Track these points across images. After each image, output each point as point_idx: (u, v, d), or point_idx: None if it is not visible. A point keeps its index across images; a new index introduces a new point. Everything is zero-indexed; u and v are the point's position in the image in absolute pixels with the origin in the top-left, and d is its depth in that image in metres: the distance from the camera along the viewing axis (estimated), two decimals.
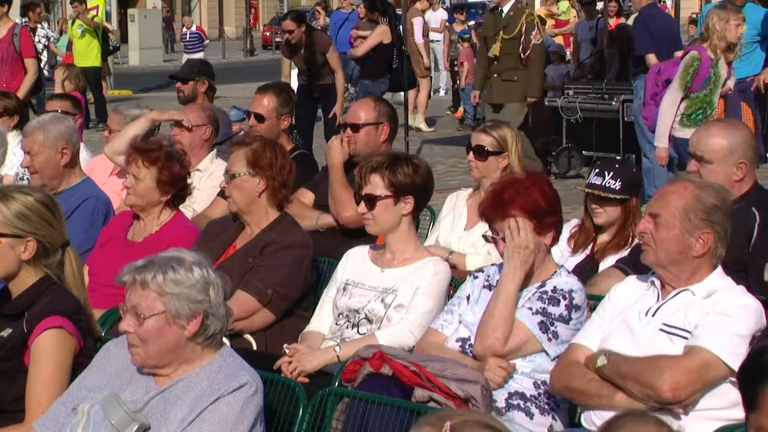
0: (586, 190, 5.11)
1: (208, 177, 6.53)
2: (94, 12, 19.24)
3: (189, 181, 5.35)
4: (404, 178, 4.63)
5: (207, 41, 24.90)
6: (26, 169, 6.15)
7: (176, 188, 5.22)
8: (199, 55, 23.33)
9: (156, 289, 3.33)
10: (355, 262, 4.72)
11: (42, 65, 17.02)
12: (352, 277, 4.65)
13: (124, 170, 5.47)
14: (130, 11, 36.10)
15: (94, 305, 4.21)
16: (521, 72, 10.72)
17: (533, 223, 4.06)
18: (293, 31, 11.66)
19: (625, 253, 4.94)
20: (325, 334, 4.63)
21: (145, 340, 3.36)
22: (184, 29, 25.02)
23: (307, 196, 5.96)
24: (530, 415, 4.00)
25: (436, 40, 19.96)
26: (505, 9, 10.85)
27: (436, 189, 4.98)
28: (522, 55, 10.64)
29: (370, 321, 4.52)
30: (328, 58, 11.70)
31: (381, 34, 13.35)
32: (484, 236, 4.27)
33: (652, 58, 10.47)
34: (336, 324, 4.62)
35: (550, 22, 19.17)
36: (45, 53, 19.25)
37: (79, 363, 3.70)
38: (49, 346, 3.67)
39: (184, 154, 5.42)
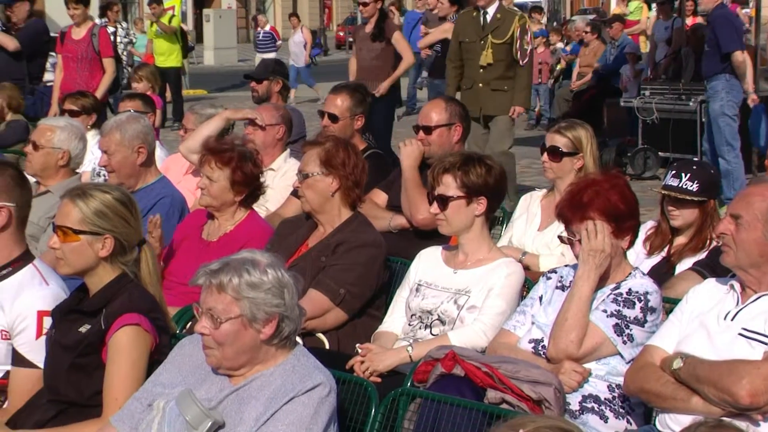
0: (663, 192, 5.04)
1: (281, 176, 6.57)
2: (170, 12, 19.43)
3: (262, 180, 5.37)
4: (477, 178, 4.61)
5: (280, 41, 25.00)
6: (103, 168, 6.24)
7: (250, 188, 5.24)
8: (272, 55, 23.47)
9: (232, 293, 3.34)
10: (428, 262, 4.71)
11: (123, 65, 17.29)
12: (425, 278, 4.65)
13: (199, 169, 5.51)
14: (205, 11, 36.42)
15: (169, 303, 4.26)
16: (511, 81, 9.57)
17: (611, 226, 4.02)
18: (368, 4, 10.96)
19: (702, 256, 4.87)
20: (398, 334, 4.63)
21: (221, 343, 3.38)
22: (258, 29, 25.16)
23: (380, 196, 5.97)
24: (605, 419, 3.96)
25: None
26: (491, 11, 9.69)
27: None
28: (521, 62, 9.51)
29: (442, 322, 4.50)
30: (395, 43, 11.01)
31: (445, 31, 13.29)
32: (560, 237, 4.24)
33: (739, 56, 10.28)
34: (409, 324, 4.61)
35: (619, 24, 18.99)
36: (125, 54, 19.52)
37: (154, 360, 3.74)
38: (125, 343, 3.72)
39: (257, 153, 5.44)
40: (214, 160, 5.22)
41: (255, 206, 5.57)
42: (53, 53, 11.78)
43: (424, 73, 14.69)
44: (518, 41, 9.51)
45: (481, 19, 9.68)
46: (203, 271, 3.40)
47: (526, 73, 9.70)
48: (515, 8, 10.25)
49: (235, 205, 5.27)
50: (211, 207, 5.28)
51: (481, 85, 9.58)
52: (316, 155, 4.95)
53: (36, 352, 3.94)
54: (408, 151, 5.81)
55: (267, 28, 24.73)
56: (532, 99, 17.86)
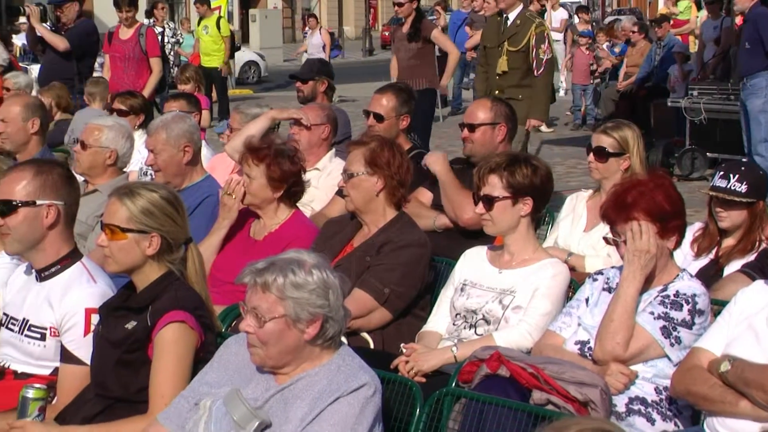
0: (711, 193, 5.00)
1: (326, 176, 6.58)
2: (217, 12, 19.54)
3: (304, 178, 5.38)
4: (523, 179, 4.59)
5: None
6: (150, 167, 6.28)
7: (287, 184, 5.25)
8: (319, 56, 23.52)
9: (276, 292, 3.35)
10: (472, 262, 4.70)
11: (171, 65, 17.41)
12: (469, 278, 4.64)
13: None
14: (251, 11, 36.60)
15: (215, 301, 4.27)
16: (526, 90, 9.23)
17: (656, 226, 3.99)
18: (403, 4, 10.89)
19: (751, 257, 4.82)
20: (443, 334, 4.63)
21: (265, 342, 3.39)
22: (307, 29, 25.23)
23: (425, 195, 5.97)
24: (651, 421, 3.93)
25: (556, 40, 19.76)
26: (511, 17, 9.40)
27: (556, 190, 4.94)
28: (535, 72, 9.17)
29: (487, 322, 4.50)
30: (435, 40, 10.87)
31: None
32: (605, 238, 4.21)
33: None
34: (453, 324, 4.61)
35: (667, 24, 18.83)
36: (172, 54, 19.65)
37: (200, 357, 3.75)
38: (171, 340, 3.74)
39: (296, 150, 5.46)
40: (251, 158, 5.26)
41: (300, 206, 5.58)
42: (101, 53, 11.90)
43: (472, 75, 14.66)
44: (534, 50, 9.20)
45: (502, 24, 9.48)
46: (249, 269, 3.41)
47: (542, 84, 9.35)
48: (535, 15, 9.71)
49: (276, 203, 5.28)
50: (253, 205, 5.31)
51: (497, 92, 9.30)
52: (361, 155, 4.96)
53: (84, 349, 3.97)
54: (432, 160, 5.79)
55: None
56: (578, 98, 17.85)
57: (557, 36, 19.75)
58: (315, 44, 22.53)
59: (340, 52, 24.27)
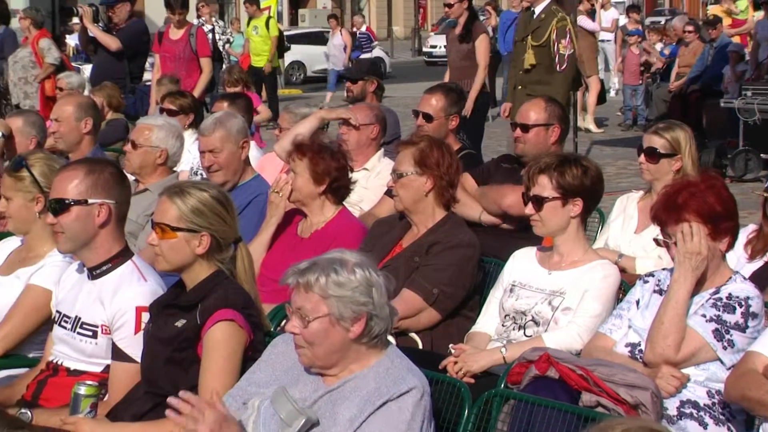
0: (765, 195, 4.93)
1: (375, 176, 6.58)
2: (266, 12, 19.62)
3: (351, 177, 5.39)
4: (573, 179, 4.56)
5: (375, 42, 25.12)
6: (200, 168, 6.30)
7: (330, 178, 5.27)
8: (368, 55, 23.56)
9: (319, 291, 3.35)
10: (522, 263, 4.68)
11: (224, 64, 17.50)
12: (519, 279, 4.62)
13: None
14: (300, 11, 36.79)
15: (264, 299, 4.28)
16: (545, 87, 8.87)
17: (708, 228, 3.94)
18: (452, 5, 10.81)
19: None
20: (491, 335, 4.61)
21: (311, 342, 3.39)
22: (354, 29, 25.29)
23: (469, 181, 5.91)
24: (704, 425, 3.88)
25: (607, 40, 19.63)
26: (537, 10, 9.17)
27: (606, 191, 4.90)
28: (558, 68, 8.93)
29: (536, 323, 4.47)
30: (477, 46, 10.73)
31: None
32: (656, 240, 4.17)
33: None
34: (502, 325, 4.59)
35: (726, 21, 18.62)
36: (224, 53, 19.76)
37: (249, 356, 3.76)
38: (220, 338, 3.75)
39: (339, 146, 5.49)
40: (295, 153, 5.30)
41: (349, 206, 5.59)
42: (152, 53, 12.00)
43: None
44: (554, 44, 8.97)
45: (529, 18, 9.29)
46: (292, 270, 3.42)
47: (561, 80, 9.06)
48: (560, 9, 9.35)
49: (322, 200, 5.30)
50: (298, 201, 5.33)
51: (519, 87, 9.22)
52: (411, 155, 4.95)
53: (134, 346, 4.00)
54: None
55: (363, 28, 24.85)
56: (628, 98, 17.71)
57: (608, 36, 19.61)
58: (336, 45, 22.51)
59: (360, 53, 24.28)
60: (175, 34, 11.03)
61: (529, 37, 9.09)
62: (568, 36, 9.02)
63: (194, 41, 10.98)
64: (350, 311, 3.35)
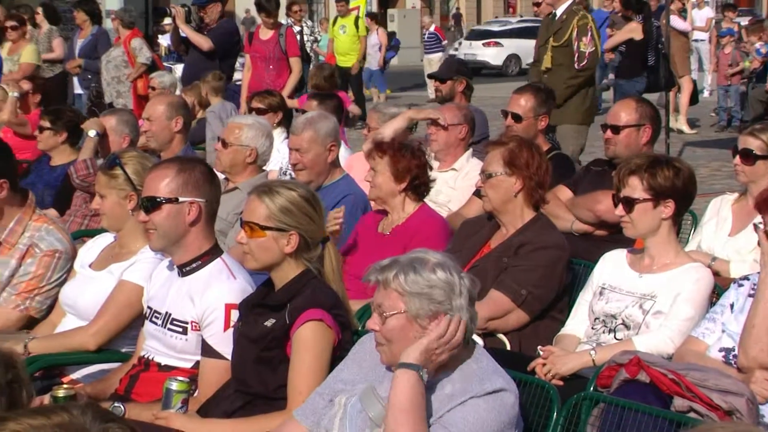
0: None
1: (463, 176, 6.56)
2: (355, 12, 19.69)
3: (430, 175, 5.38)
4: (664, 181, 4.49)
5: (445, 41, 25.02)
6: (291, 166, 6.33)
7: (410, 176, 5.28)
8: (438, 56, 23.50)
9: (397, 288, 3.35)
10: (612, 265, 4.62)
11: (312, 63, 17.62)
12: (609, 281, 4.56)
13: None
14: (390, 11, 36.83)
15: (349, 297, 4.29)
16: (573, 89, 8.73)
17: None
18: (540, 3, 10.46)
19: None
20: (581, 337, 4.56)
21: (389, 339, 3.38)
22: (424, 30, 25.23)
23: (564, 193, 5.88)
24: None
25: (701, 39, 19.32)
26: (559, 12, 8.97)
27: (699, 193, 4.82)
28: (577, 65, 8.68)
29: (627, 327, 4.41)
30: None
31: (630, 31, 13.05)
32: (755, 224, 4.07)
33: None
34: (592, 328, 4.53)
35: None
36: (312, 52, 19.87)
37: (337, 356, 3.77)
38: (309, 338, 3.76)
39: (419, 144, 5.51)
40: (376, 151, 5.31)
41: (436, 207, 5.58)
42: (242, 53, 12.12)
43: (611, 75, 14.44)
44: (575, 42, 8.75)
45: (551, 21, 9.14)
46: (373, 268, 3.42)
47: (581, 79, 8.78)
48: (581, 8, 9.16)
49: (401, 196, 5.31)
50: (378, 199, 5.35)
51: None
52: (500, 155, 4.92)
53: (224, 343, 4.03)
54: None
55: (432, 28, 24.76)
56: (722, 99, 17.39)
57: (702, 36, 19.28)
58: (372, 44, 22.45)
59: (395, 54, 24.23)
60: (266, 34, 11.14)
61: (551, 39, 8.94)
62: (589, 33, 8.80)
63: (284, 41, 11.08)
64: (427, 310, 3.34)
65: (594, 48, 8.86)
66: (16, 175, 4.99)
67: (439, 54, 23.79)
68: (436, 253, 3.45)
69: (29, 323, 4.94)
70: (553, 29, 8.98)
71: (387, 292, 3.36)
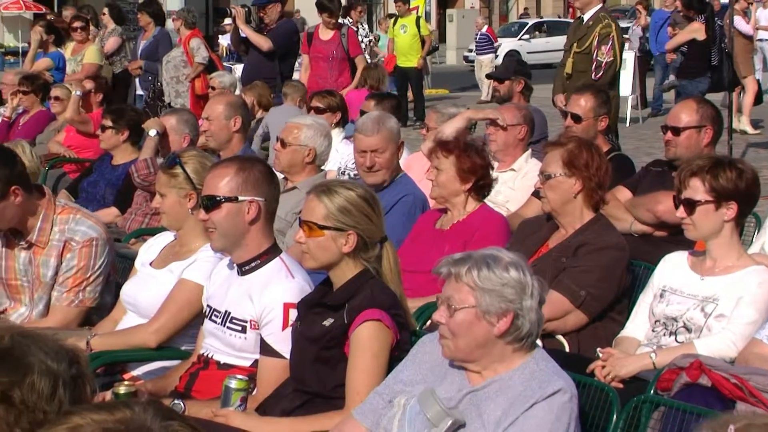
0: None
1: (522, 177, 6.54)
2: (414, 12, 19.68)
3: (492, 174, 5.37)
4: (727, 182, 4.44)
5: (497, 43, 24.91)
6: (348, 162, 6.35)
7: (476, 176, 5.27)
8: (489, 57, 23.40)
9: (469, 282, 3.34)
10: (673, 268, 4.57)
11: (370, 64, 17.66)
12: (669, 284, 4.51)
13: None
14: (448, 11, 36.77)
15: (406, 295, 4.28)
16: None
17: None
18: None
19: None
20: (641, 340, 4.52)
21: (455, 333, 3.38)
22: (476, 30, 25.11)
23: (624, 193, 5.83)
24: None
25: (766, 39, 19.04)
26: (586, 17, 8.73)
27: (763, 195, 4.76)
28: (593, 75, 8.43)
29: (688, 330, 4.36)
30: None
31: (693, 31, 12.93)
32: None
33: None
34: (652, 330, 4.49)
35: None
36: (367, 53, 19.90)
37: (395, 356, 3.77)
38: (367, 338, 3.77)
39: (482, 144, 5.49)
40: (440, 151, 5.30)
41: (495, 207, 5.56)
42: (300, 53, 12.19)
43: (671, 77, 14.31)
44: (594, 51, 8.51)
45: (578, 25, 8.92)
46: (446, 261, 3.42)
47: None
48: (607, 15, 8.80)
49: (464, 195, 5.29)
50: (441, 198, 5.34)
51: (564, 94, 8.55)
52: (559, 156, 4.89)
53: (282, 342, 4.05)
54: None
55: (484, 29, 24.66)
56: None
57: (767, 35, 18.99)
58: None
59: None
60: (326, 34, 11.17)
61: (575, 44, 8.75)
62: (610, 43, 8.50)
63: (346, 41, 11.12)
64: (497, 307, 3.33)
65: (612, 59, 8.61)
66: (25, 177, 4.92)
67: (491, 55, 23.70)
68: (509, 253, 3.44)
69: (88, 316, 5.01)
70: (578, 34, 8.81)
71: (458, 285, 3.36)
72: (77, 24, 12.53)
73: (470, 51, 30.63)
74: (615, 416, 3.69)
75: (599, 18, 8.69)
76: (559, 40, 30.45)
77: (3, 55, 31.35)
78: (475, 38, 25.27)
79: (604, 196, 4.92)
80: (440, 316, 3.40)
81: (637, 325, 4.57)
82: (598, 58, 8.51)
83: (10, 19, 33.96)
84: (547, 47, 29.43)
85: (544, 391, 3.29)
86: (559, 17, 40.32)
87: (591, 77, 8.48)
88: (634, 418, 3.72)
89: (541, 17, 42.44)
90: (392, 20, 19.83)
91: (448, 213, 5.39)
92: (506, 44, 30.48)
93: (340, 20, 12.00)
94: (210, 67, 11.97)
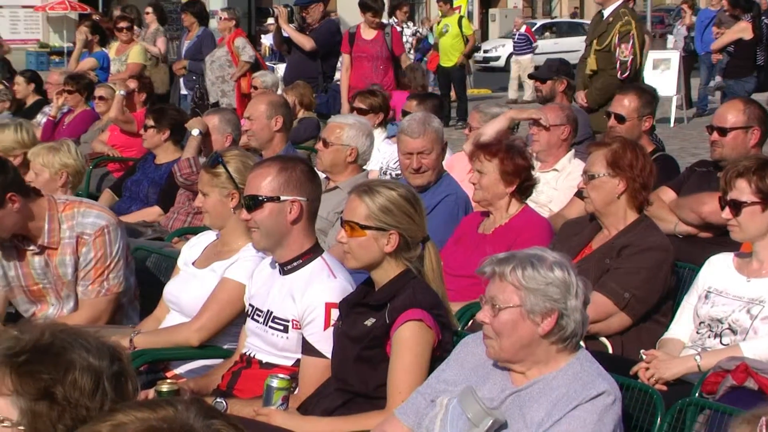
0: None
1: (565, 177, 6.51)
2: (457, 12, 19.66)
3: (534, 174, 5.34)
4: None
5: (536, 44, 24.80)
6: (391, 162, 6.34)
7: (520, 179, 5.24)
8: (528, 57, 23.29)
9: (513, 282, 3.33)
10: (718, 269, 4.52)
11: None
12: (714, 285, 4.47)
13: None
14: (491, 11, 36.71)
15: (449, 298, 4.27)
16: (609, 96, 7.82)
17: None
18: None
19: None
20: (685, 341, 4.48)
21: (499, 333, 3.36)
22: (515, 30, 25.03)
23: (668, 194, 5.78)
24: None
25: None
26: (606, 13, 8.56)
27: None
28: (619, 74, 8.29)
29: (734, 332, 4.31)
30: None
31: (740, 30, 12.81)
32: None
33: None
34: (697, 332, 4.45)
35: None
36: (411, 52, 19.89)
37: (437, 356, 3.76)
38: (409, 338, 3.76)
39: (524, 146, 5.46)
40: (483, 154, 5.26)
41: (537, 207, 5.53)
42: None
43: (717, 77, 14.18)
44: (615, 49, 8.38)
45: (599, 21, 8.75)
46: (490, 260, 3.40)
47: (605, 89, 8.28)
48: (628, 12, 8.62)
49: (507, 198, 5.26)
50: (484, 201, 5.31)
51: (586, 91, 8.59)
52: (603, 156, 4.86)
53: (324, 342, 4.05)
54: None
55: (522, 29, 24.57)
56: None
57: None
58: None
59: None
60: (369, 34, 11.15)
61: (595, 40, 8.61)
62: (630, 42, 8.40)
63: (390, 40, 11.11)
64: (542, 306, 3.31)
65: (633, 57, 8.48)
66: (20, 182, 4.90)
67: (529, 55, 23.61)
68: (554, 252, 3.42)
69: (119, 305, 5.06)
70: (598, 31, 8.67)
71: (502, 284, 3.34)
72: (123, 24, 12.62)
73: (484, 51, 30.61)
74: (659, 419, 3.66)
75: (619, 14, 8.52)
76: (569, 42, 30.18)
77: (48, 54, 31.67)
78: (513, 38, 25.19)
79: (648, 197, 4.88)
80: (484, 316, 3.39)
81: (681, 327, 4.53)
82: (620, 58, 8.39)
83: (56, 19, 34.30)
84: (555, 48, 29.10)
85: (588, 393, 3.27)
86: (574, 17, 39.88)
87: (614, 76, 8.38)
88: (679, 421, 3.68)
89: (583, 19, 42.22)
90: (437, 20, 19.83)
91: (490, 216, 5.35)
92: (509, 45, 30.41)
93: (385, 20, 12.01)
94: (254, 66, 12.01)
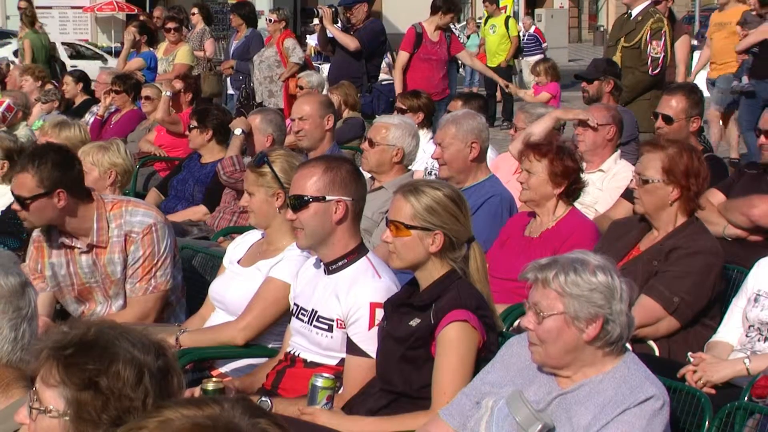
0: None
1: (611, 178, 6.46)
2: (503, 12, 19.61)
3: (583, 177, 5.30)
4: None
5: (545, 44, 24.62)
6: (435, 165, 6.34)
7: (569, 180, 5.20)
8: (536, 58, 23.09)
9: (557, 288, 3.31)
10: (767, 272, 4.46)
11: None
12: (764, 288, 4.41)
13: None
14: (537, 11, 36.55)
15: (494, 300, 4.25)
16: (636, 93, 8.44)
17: None
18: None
19: None
20: (734, 345, 4.42)
21: (544, 340, 3.34)
22: (522, 31, 24.87)
23: (716, 196, 5.71)
24: None
25: None
26: (634, 12, 8.74)
27: None
28: (650, 71, 8.39)
29: None
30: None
31: (765, 31, 12.63)
32: None
33: None
34: (746, 336, 4.39)
35: None
36: None
37: (482, 357, 3.75)
38: (454, 339, 3.75)
39: (575, 148, 5.43)
40: (533, 154, 5.23)
41: (583, 209, 5.48)
42: (390, 53, 12.17)
43: (745, 79, 13.98)
44: (647, 46, 8.42)
45: (625, 21, 8.83)
46: (532, 266, 3.38)
47: (648, 84, 8.41)
48: (657, 10, 8.80)
49: (555, 199, 5.22)
50: (531, 201, 5.27)
51: None
52: (659, 160, 4.74)
53: (368, 342, 4.04)
54: None
55: (531, 30, 24.40)
56: None
57: None
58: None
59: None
60: (434, 36, 11.06)
61: (622, 39, 8.63)
62: (662, 39, 8.52)
63: (449, 41, 11.06)
64: (586, 312, 3.29)
65: (665, 54, 8.55)
66: (77, 184, 4.93)
67: (538, 56, 23.44)
68: (597, 256, 3.39)
69: (167, 303, 5.09)
70: (626, 29, 8.72)
71: (545, 291, 3.32)
72: (171, 25, 12.70)
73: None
74: (707, 422, 3.62)
75: (649, 13, 8.63)
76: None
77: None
78: (522, 39, 25.06)
79: (700, 203, 4.81)
80: (528, 322, 3.37)
81: (730, 330, 4.48)
82: (652, 55, 8.42)
83: (104, 20, 34.64)
84: None
85: (636, 397, 3.24)
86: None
87: (643, 73, 8.41)
88: (728, 426, 3.64)
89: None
90: (484, 20, 19.78)
91: (536, 218, 5.31)
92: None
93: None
94: (302, 67, 12.04)
